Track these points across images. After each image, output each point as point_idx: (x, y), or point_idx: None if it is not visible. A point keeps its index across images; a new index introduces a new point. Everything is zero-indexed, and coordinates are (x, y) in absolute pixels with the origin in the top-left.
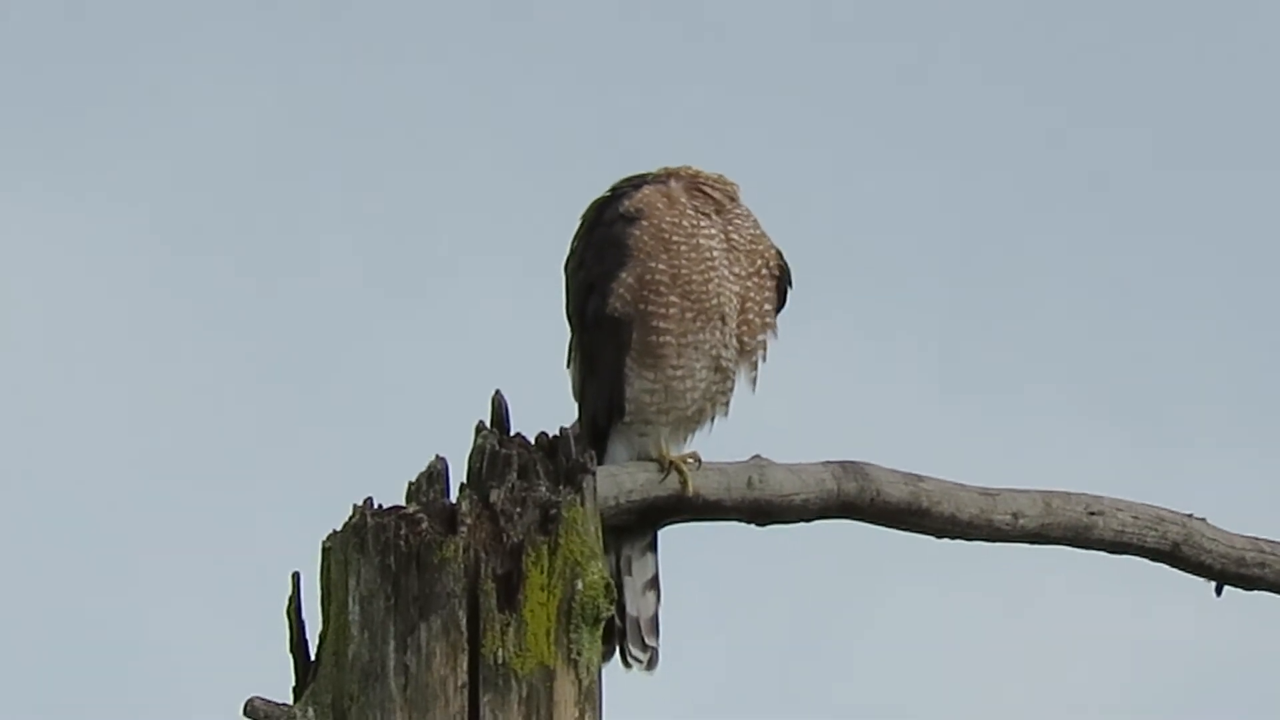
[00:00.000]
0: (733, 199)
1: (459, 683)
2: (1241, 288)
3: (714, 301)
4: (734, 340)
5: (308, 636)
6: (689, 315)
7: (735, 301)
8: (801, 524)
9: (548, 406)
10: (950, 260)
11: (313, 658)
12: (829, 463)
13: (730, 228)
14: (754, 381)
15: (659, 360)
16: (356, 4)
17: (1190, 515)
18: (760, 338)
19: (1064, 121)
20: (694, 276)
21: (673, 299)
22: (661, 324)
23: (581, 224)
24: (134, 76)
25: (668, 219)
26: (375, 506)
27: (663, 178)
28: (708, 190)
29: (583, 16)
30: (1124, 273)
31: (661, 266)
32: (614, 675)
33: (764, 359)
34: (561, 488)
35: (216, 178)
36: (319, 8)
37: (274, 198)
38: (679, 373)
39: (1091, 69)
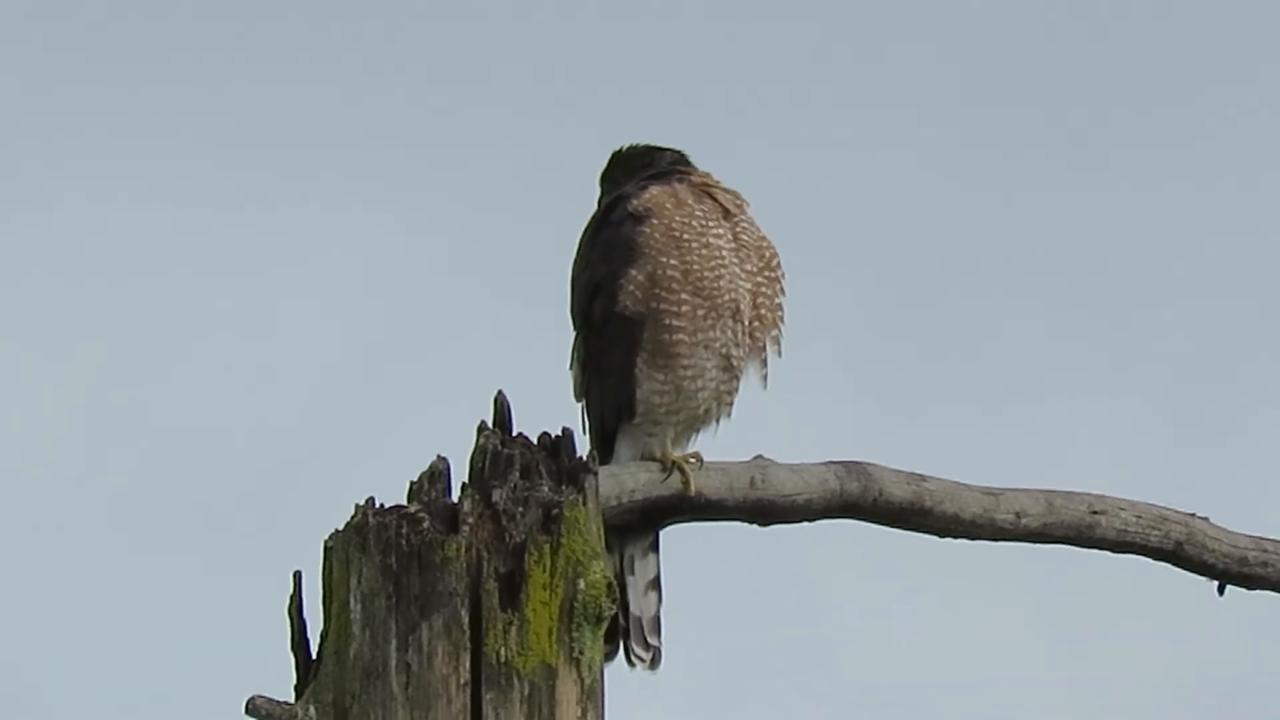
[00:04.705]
0: (741, 209)
1: (461, 681)
2: (1233, 289)
3: (726, 298)
4: (746, 337)
5: (309, 635)
6: (700, 313)
7: (748, 298)
8: (804, 524)
9: (550, 406)
10: (949, 257)
11: (314, 656)
12: (831, 463)
13: (738, 229)
14: (765, 379)
15: (671, 360)
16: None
17: (1193, 514)
18: (774, 333)
19: (1056, 96)
20: (705, 274)
21: (684, 296)
22: (674, 322)
23: (589, 224)
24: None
25: (677, 218)
26: (377, 506)
27: (671, 178)
28: (717, 197)
29: (578, 16)
30: (1126, 271)
31: (673, 263)
32: (617, 674)
33: (779, 354)
34: (564, 487)
35: (223, 173)
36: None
37: (281, 201)
38: (690, 372)
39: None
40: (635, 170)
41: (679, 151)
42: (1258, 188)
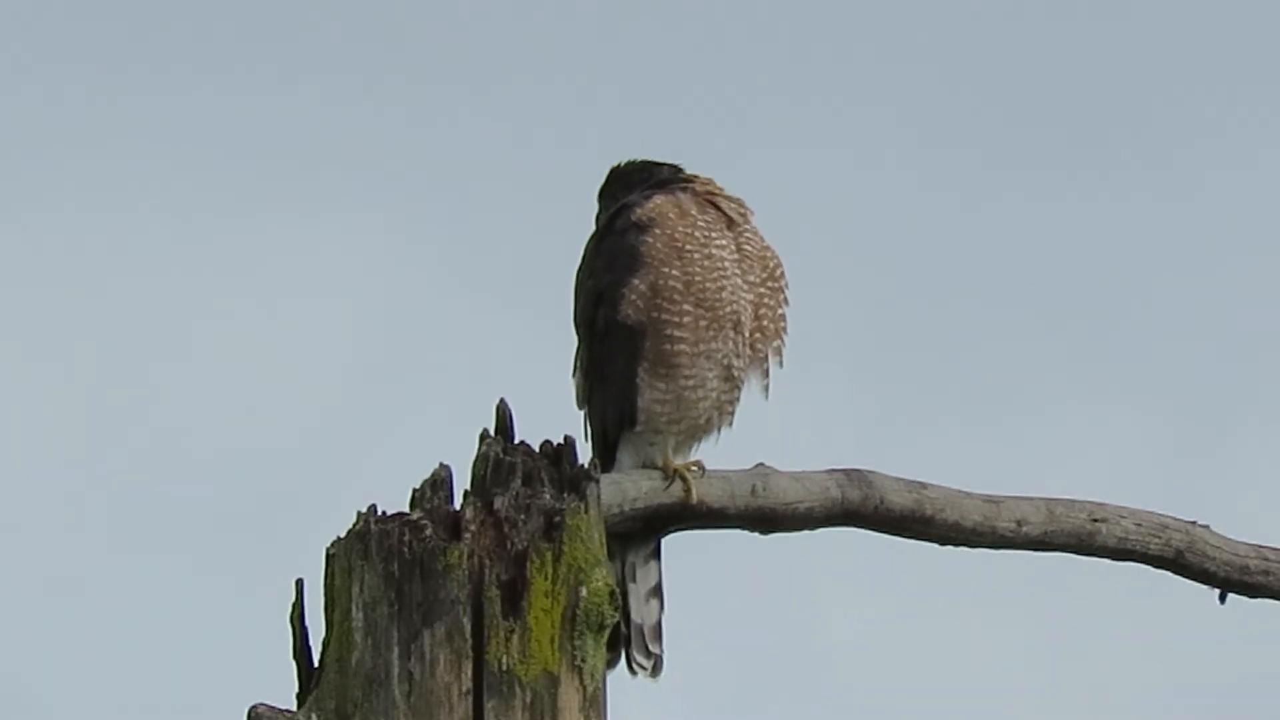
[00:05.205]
0: (744, 219)
1: (463, 689)
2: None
3: (728, 309)
4: (747, 348)
5: (311, 643)
6: (702, 323)
7: (750, 309)
8: (805, 532)
9: (553, 414)
10: (950, 266)
11: (316, 664)
12: (833, 470)
13: (741, 239)
14: (766, 389)
15: (672, 370)
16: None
17: (1194, 522)
18: (775, 344)
19: (1055, 106)
20: (707, 284)
21: (686, 307)
22: (675, 332)
23: (593, 234)
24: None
25: (680, 228)
26: (379, 513)
27: (674, 187)
28: (721, 206)
29: (582, 20)
30: (1132, 280)
31: (675, 274)
32: (618, 682)
33: (780, 365)
34: (565, 495)
35: (225, 177)
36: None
37: (284, 205)
38: (691, 382)
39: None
40: (633, 186)
41: (676, 166)
42: (1260, 194)
